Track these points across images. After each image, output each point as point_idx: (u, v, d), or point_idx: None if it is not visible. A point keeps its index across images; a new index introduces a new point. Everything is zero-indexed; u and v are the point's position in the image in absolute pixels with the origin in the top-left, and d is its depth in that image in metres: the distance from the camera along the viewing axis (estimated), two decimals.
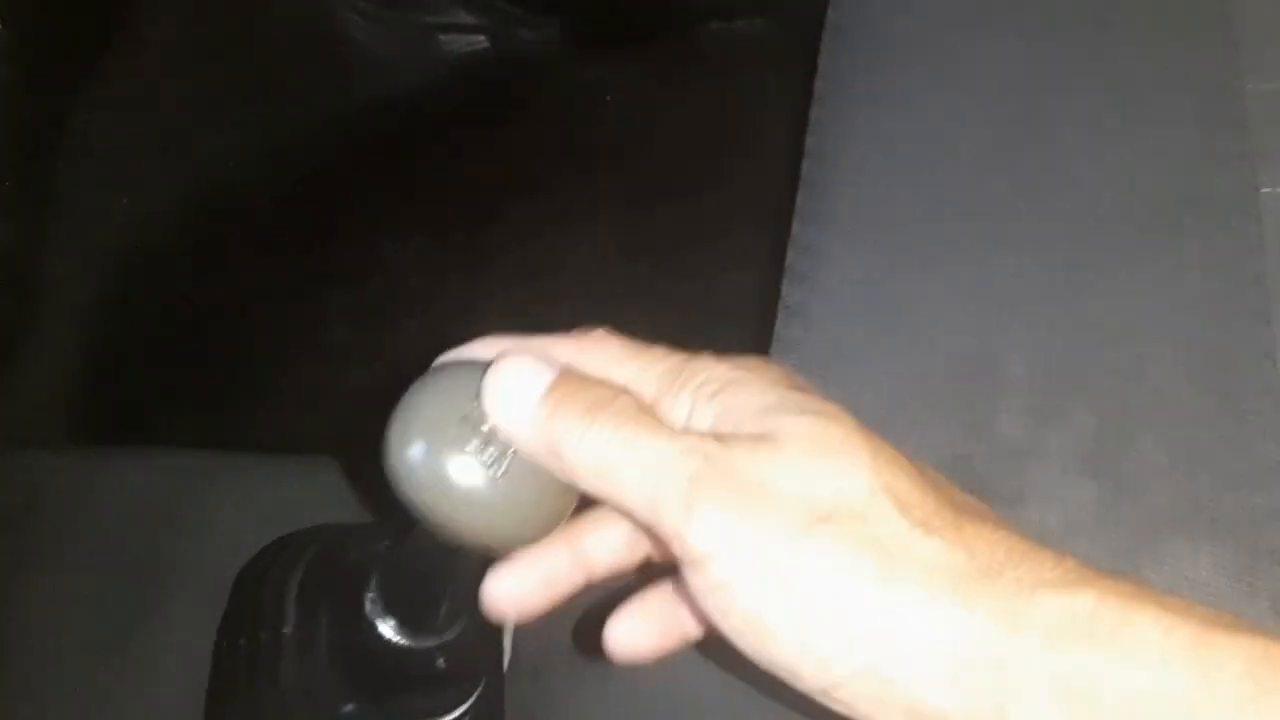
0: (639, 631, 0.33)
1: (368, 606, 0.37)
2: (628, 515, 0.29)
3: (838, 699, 0.27)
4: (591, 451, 0.28)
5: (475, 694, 0.41)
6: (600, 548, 0.33)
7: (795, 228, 0.52)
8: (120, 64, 0.92)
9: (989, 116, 0.53)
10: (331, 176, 1.01)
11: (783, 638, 0.27)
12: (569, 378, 0.30)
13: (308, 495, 0.57)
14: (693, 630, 0.33)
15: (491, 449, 0.29)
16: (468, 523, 0.29)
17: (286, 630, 0.41)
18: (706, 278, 0.90)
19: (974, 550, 0.27)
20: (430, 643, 0.38)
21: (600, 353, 0.31)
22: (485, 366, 0.30)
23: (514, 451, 0.29)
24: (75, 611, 0.54)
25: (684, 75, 1.05)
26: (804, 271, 0.50)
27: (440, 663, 0.38)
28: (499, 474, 0.29)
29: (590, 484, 0.29)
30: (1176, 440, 0.43)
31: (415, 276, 0.98)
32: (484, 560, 0.33)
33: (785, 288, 0.50)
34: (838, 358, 0.47)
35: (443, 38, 1.09)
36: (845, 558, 0.26)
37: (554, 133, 1.04)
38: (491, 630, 0.43)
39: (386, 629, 0.37)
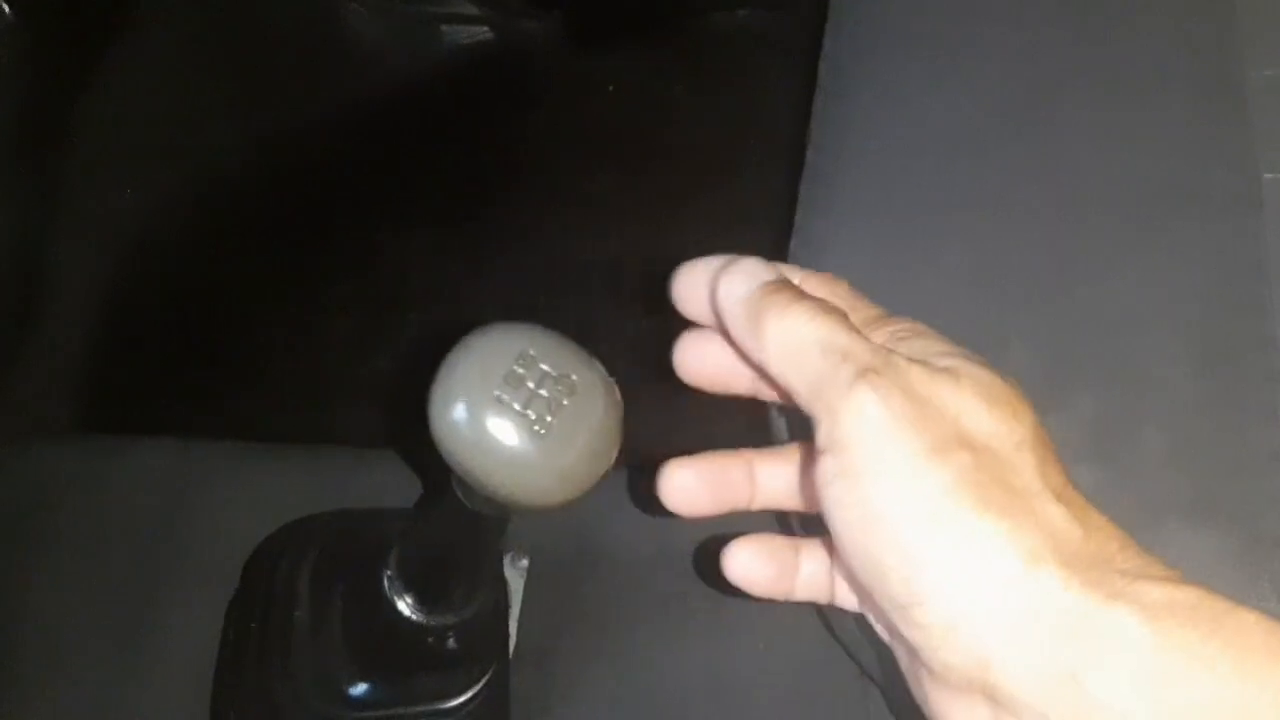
0: (756, 563, 0.35)
1: (386, 584, 0.38)
2: (794, 395, 0.31)
3: (913, 620, 0.27)
4: (787, 327, 0.30)
5: (484, 679, 0.41)
6: (770, 478, 0.36)
7: (799, 218, 0.52)
8: (123, 56, 0.92)
9: (991, 106, 0.54)
10: (334, 168, 1.01)
11: (886, 538, 0.28)
12: (787, 281, 0.32)
13: (314, 485, 0.58)
14: (801, 589, 0.35)
15: (533, 410, 0.30)
16: (508, 481, 0.30)
17: (299, 613, 0.41)
18: None
19: (1093, 532, 0.28)
20: (446, 620, 0.38)
21: (824, 285, 0.35)
22: (528, 328, 0.32)
23: (555, 412, 0.30)
24: (84, 600, 0.54)
25: (687, 66, 1.05)
26: (807, 261, 0.50)
27: (452, 643, 0.39)
28: (541, 434, 0.30)
29: (774, 357, 0.31)
30: (1177, 427, 0.43)
31: (417, 268, 0.98)
32: (499, 540, 0.33)
33: None
34: None
35: (445, 29, 1.09)
36: (975, 486, 0.27)
37: (556, 124, 1.04)
38: (501, 613, 0.43)
39: (404, 606, 0.38)
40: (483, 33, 1.09)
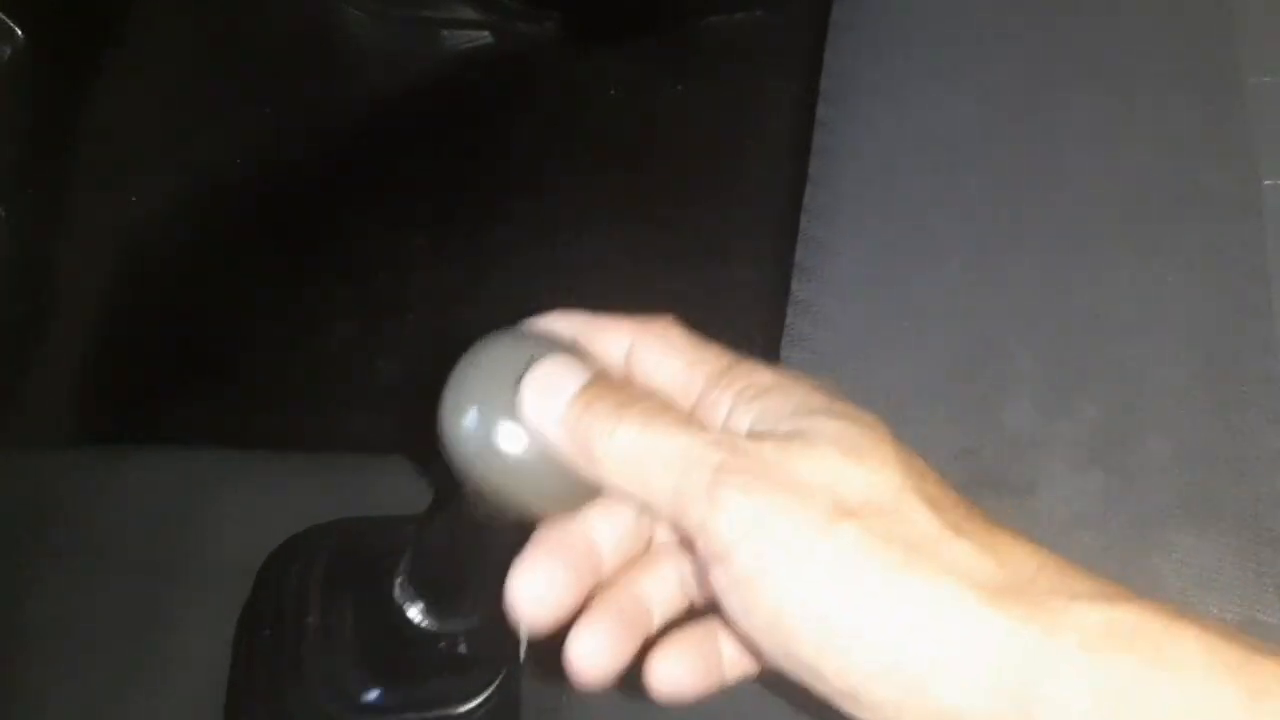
0: (682, 668, 0.32)
1: (396, 591, 0.38)
2: (653, 513, 0.29)
3: (862, 703, 0.26)
4: (620, 445, 0.29)
5: (495, 683, 0.42)
6: (658, 592, 0.33)
7: (803, 223, 0.52)
8: (125, 63, 0.92)
9: (994, 112, 0.54)
10: (335, 173, 1.01)
11: (806, 635, 0.26)
12: (601, 379, 0.30)
13: (321, 492, 0.58)
14: (731, 671, 0.33)
15: None
16: (517, 489, 0.30)
17: (310, 620, 0.42)
18: (714, 273, 0.90)
19: (1005, 558, 0.26)
20: (457, 627, 0.38)
21: (659, 341, 0.32)
22: (537, 334, 0.31)
23: None
24: (94, 609, 0.55)
25: (686, 69, 1.05)
26: (813, 267, 0.51)
27: (463, 648, 0.39)
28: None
29: (617, 479, 0.29)
30: (1182, 430, 0.44)
31: (419, 272, 0.98)
32: (511, 546, 0.33)
33: (795, 283, 0.50)
34: (847, 352, 0.48)
35: (444, 33, 1.09)
36: (872, 552, 0.26)
37: (556, 128, 1.04)
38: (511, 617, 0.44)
39: (415, 613, 0.38)
40: (482, 37, 1.09)
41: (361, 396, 0.90)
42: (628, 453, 0.28)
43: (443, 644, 0.40)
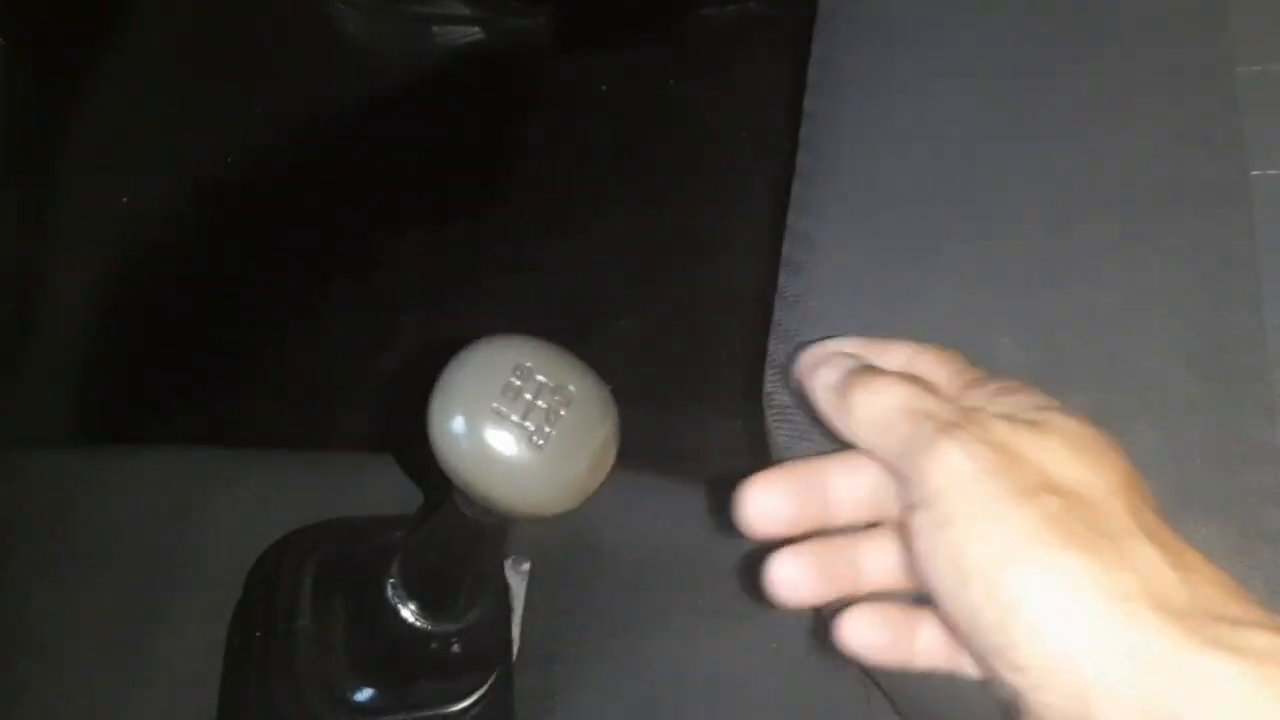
0: (873, 630, 0.34)
1: (390, 592, 0.38)
2: (885, 460, 0.32)
3: (1011, 662, 0.28)
4: (870, 400, 0.32)
5: (487, 683, 0.42)
6: (876, 560, 0.35)
7: (791, 218, 0.52)
8: (115, 65, 0.92)
9: (982, 104, 0.54)
10: (328, 170, 1.01)
11: (976, 582, 0.28)
12: (873, 365, 0.34)
13: (315, 491, 0.58)
14: (921, 658, 0.34)
15: (531, 421, 0.30)
16: (508, 492, 0.30)
17: (302, 622, 0.42)
18: (704, 268, 0.90)
19: (1191, 576, 0.28)
20: (449, 627, 0.39)
21: (932, 355, 0.36)
22: (523, 340, 0.32)
23: (552, 423, 0.31)
24: (88, 609, 0.55)
25: (678, 63, 1.05)
26: (801, 262, 0.50)
27: (455, 648, 0.39)
28: (539, 444, 0.30)
29: (863, 429, 0.32)
30: (1169, 423, 0.44)
31: (414, 269, 0.98)
32: (502, 545, 0.33)
33: (782, 278, 0.50)
34: None
35: (436, 29, 1.09)
36: (1059, 527, 0.28)
37: (548, 123, 1.04)
38: (503, 617, 0.44)
39: (408, 613, 0.38)
40: (474, 33, 1.09)
41: (357, 395, 0.91)
42: (875, 406, 0.32)
43: (435, 644, 0.40)
